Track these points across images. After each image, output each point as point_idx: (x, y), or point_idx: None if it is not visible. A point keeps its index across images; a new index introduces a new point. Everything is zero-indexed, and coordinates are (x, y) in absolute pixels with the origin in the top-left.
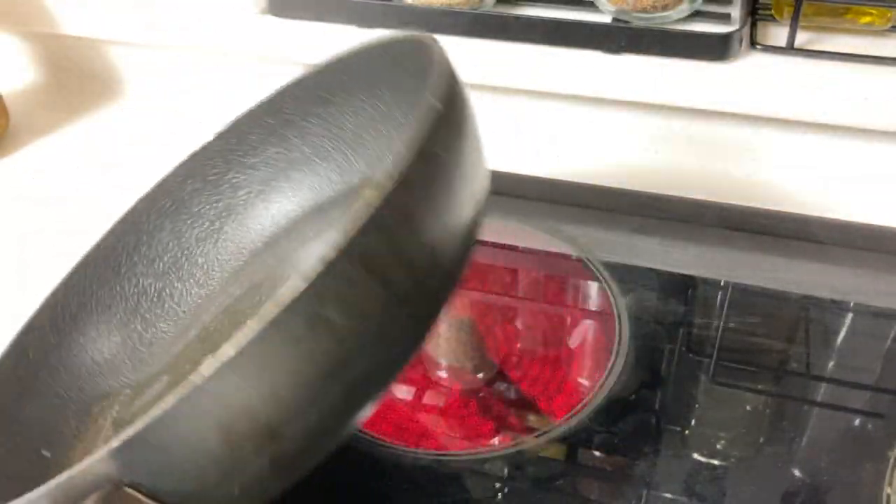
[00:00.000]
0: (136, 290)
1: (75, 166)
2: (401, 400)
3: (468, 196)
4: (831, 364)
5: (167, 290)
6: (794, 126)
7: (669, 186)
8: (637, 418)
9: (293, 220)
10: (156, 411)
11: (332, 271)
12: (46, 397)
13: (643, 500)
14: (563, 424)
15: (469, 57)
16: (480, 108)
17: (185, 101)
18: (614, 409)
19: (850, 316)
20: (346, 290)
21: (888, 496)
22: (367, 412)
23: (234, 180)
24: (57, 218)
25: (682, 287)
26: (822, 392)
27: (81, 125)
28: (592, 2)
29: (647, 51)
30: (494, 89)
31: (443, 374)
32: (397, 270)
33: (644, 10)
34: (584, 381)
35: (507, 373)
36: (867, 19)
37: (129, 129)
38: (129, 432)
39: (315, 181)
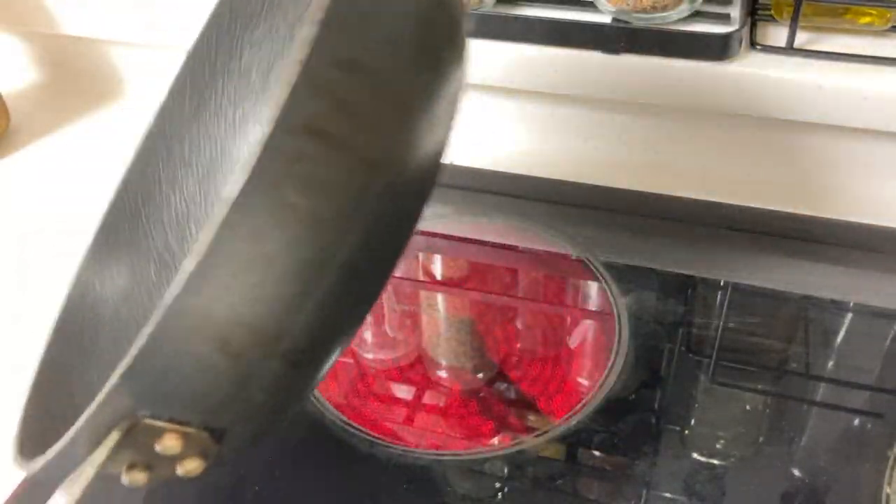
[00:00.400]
0: (183, 198)
1: (75, 166)
2: (401, 400)
3: (425, 37)
4: (831, 364)
5: (213, 190)
6: (794, 126)
7: (669, 186)
8: (637, 418)
9: None
10: (140, 339)
11: (275, 151)
12: (113, 329)
13: (643, 500)
14: (562, 424)
15: (469, 57)
16: (480, 108)
17: None
18: (614, 409)
19: (849, 316)
20: (299, 167)
21: (888, 496)
22: (375, 292)
23: (244, 60)
24: (57, 218)
25: (682, 287)
26: (821, 392)
27: (81, 125)
28: (592, 2)
29: (647, 51)
30: (494, 89)
31: (443, 374)
32: (351, 129)
33: (644, 11)
34: (584, 381)
35: (507, 373)
36: (867, 19)
37: (129, 129)
38: (122, 365)
39: None
